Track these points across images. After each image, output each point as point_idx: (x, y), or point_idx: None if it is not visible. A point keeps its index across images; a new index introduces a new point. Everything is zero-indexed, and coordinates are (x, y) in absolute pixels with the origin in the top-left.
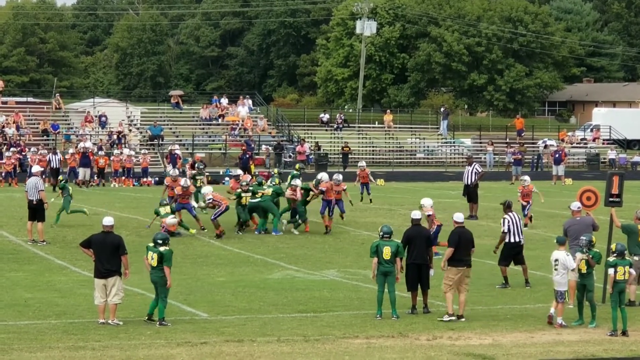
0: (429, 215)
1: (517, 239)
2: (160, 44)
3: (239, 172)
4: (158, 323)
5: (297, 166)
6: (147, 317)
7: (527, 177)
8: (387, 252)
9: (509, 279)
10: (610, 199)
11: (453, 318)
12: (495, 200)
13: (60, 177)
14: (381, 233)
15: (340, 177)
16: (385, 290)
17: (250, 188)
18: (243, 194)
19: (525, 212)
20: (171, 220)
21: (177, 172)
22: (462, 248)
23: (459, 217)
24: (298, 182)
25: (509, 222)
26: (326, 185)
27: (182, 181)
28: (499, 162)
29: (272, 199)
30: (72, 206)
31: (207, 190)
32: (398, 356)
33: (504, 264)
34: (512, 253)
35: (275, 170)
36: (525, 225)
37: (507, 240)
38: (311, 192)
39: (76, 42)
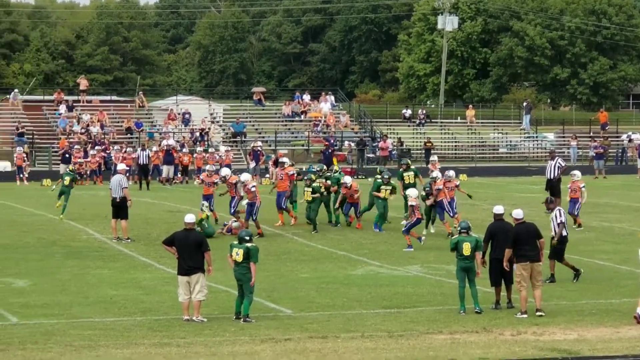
0: (411, 206)
1: (567, 233)
2: (242, 41)
3: (285, 159)
4: (242, 320)
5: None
6: (235, 316)
7: (577, 172)
8: (467, 248)
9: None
10: None
11: (525, 316)
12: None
13: (70, 167)
14: (459, 228)
15: (452, 172)
16: (467, 285)
17: (314, 185)
18: (306, 189)
19: (576, 212)
20: (235, 224)
21: (213, 168)
22: (524, 244)
23: (517, 214)
24: (348, 179)
25: (564, 213)
26: (440, 184)
27: (223, 171)
28: (582, 157)
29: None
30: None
31: (248, 177)
32: (482, 351)
33: (555, 258)
34: (562, 247)
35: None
36: (580, 226)
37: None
38: (429, 193)
39: (159, 40)
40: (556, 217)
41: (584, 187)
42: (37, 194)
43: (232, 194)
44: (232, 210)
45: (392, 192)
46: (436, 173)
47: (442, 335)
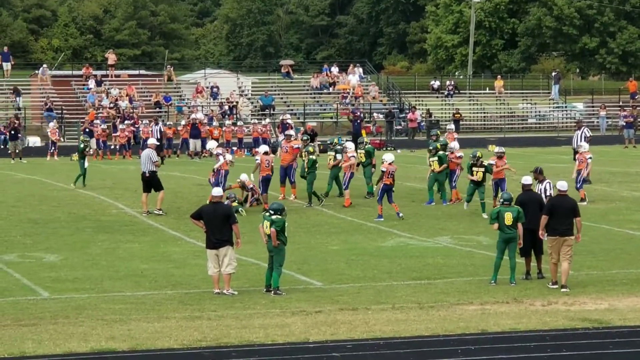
0: (383, 171)
1: None
2: (270, 14)
3: (291, 132)
4: (273, 292)
5: (335, 140)
6: (265, 289)
7: (584, 144)
8: (508, 218)
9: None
10: None
11: (555, 286)
12: (608, 165)
13: (81, 137)
14: (501, 200)
15: (455, 144)
16: (505, 256)
17: (311, 157)
18: (304, 160)
19: (577, 185)
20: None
21: (215, 143)
22: (557, 217)
23: (562, 185)
24: (350, 144)
25: (553, 187)
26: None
27: (209, 144)
28: (612, 126)
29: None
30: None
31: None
32: (513, 322)
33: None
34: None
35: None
36: (582, 200)
37: None
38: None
39: (186, 14)
40: (546, 189)
41: (590, 158)
42: (67, 168)
43: (225, 168)
44: (215, 182)
45: (440, 163)
46: (454, 144)
47: (473, 306)
